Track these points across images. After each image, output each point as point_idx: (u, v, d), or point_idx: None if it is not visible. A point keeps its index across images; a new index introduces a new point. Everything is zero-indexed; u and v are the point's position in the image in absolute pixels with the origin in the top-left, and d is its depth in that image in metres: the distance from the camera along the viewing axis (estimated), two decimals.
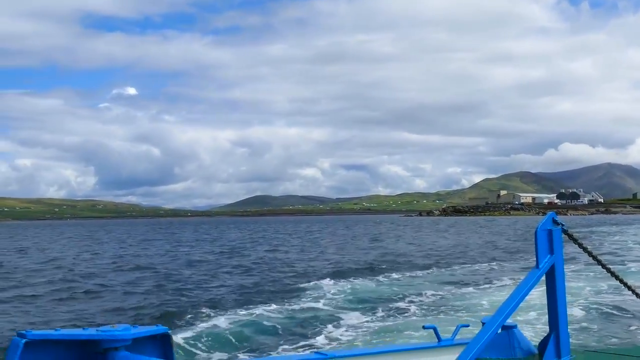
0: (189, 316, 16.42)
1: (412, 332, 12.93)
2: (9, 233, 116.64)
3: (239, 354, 12.19)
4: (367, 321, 15.54)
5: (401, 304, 18.15)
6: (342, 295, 19.78)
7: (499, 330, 5.49)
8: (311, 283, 23.08)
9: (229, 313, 17.05)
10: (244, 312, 16.99)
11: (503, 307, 5.50)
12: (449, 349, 5.49)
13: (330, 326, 14.87)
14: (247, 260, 35.59)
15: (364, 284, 22.94)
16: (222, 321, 15.51)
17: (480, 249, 43.45)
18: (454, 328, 5.99)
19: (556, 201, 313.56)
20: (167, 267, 31.62)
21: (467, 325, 6.47)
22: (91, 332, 3.43)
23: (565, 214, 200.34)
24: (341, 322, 15.45)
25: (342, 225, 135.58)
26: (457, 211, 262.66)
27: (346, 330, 14.33)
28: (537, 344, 6.19)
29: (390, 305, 17.93)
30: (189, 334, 13.79)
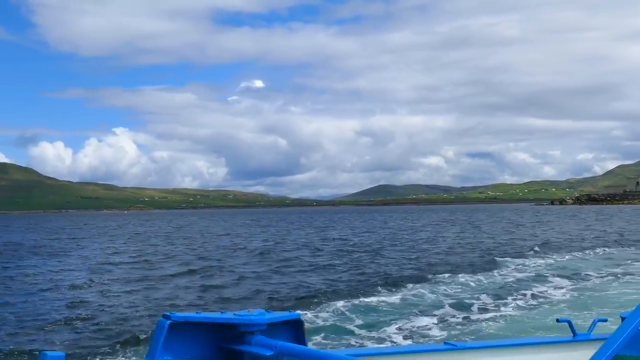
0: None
1: (543, 324, 12.70)
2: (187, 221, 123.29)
3: (379, 343, 12.29)
4: (497, 310, 15.54)
5: (534, 292, 18.17)
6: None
7: None
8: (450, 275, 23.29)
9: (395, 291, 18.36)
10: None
11: None
12: (585, 344, 5.19)
13: (459, 315, 14.90)
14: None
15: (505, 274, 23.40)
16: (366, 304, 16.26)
17: None
18: (589, 323, 5.66)
19: None
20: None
21: (605, 320, 6.10)
22: (229, 316, 3.57)
23: None
24: (472, 309, 15.53)
25: (483, 214, 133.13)
26: (592, 200, 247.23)
27: (477, 320, 14.25)
28: None
29: (522, 294, 17.97)
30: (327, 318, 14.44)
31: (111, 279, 24.87)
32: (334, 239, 50.62)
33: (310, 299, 18.18)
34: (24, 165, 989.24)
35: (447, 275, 22.79)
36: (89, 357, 11.77)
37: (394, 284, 20.98)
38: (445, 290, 19.31)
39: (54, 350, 3.04)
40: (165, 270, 28.08)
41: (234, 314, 3.59)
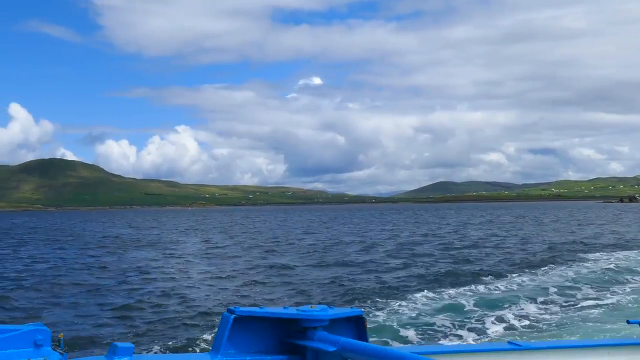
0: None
1: (611, 326, 12.42)
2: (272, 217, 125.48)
3: (441, 340, 12.30)
4: (567, 310, 15.21)
5: (604, 293, 17.62)
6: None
7: None
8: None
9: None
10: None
11: None
12: None
13: (515, 312, 14.78)
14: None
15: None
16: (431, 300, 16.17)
17: None
18: None
19: None
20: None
21: None
22: (292, 311, 3.60)
23: None
24: (531, 308, 15.29)
25: (560, 211, 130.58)
26: None
27: (545, 319, 14.03)
28: None
29: (597, 293, 17.63)
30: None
31: (197, 270, 25.85)
32: (436, 235, 50.27)
33: (395, 292, 18.49)
34: (90, 162, 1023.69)
35: (515, 274, 22.53)
36: (157, 348, 11.98)
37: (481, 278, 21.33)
38: (518, 286, 19.20)
39: (125, 342, 3.14)
40: (247, 263, 28.98)
41: (297, 310, 3.61)
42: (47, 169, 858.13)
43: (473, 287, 19.25)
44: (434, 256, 30.48)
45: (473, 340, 12.10)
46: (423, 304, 16.09)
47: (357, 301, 16.94)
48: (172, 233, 61.95)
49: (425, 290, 18.44)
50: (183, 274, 24.76)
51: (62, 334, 2.74)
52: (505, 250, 33.29)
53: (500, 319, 14.06)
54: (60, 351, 2.57)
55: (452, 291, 18.44)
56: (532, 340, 9.94)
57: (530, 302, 16.09)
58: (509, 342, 4.42)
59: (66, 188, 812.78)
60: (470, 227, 63.12)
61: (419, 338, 12.48)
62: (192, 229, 73.06)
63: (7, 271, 26.67)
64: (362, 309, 3.76)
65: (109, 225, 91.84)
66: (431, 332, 12.99)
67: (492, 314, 14.64)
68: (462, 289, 18.89)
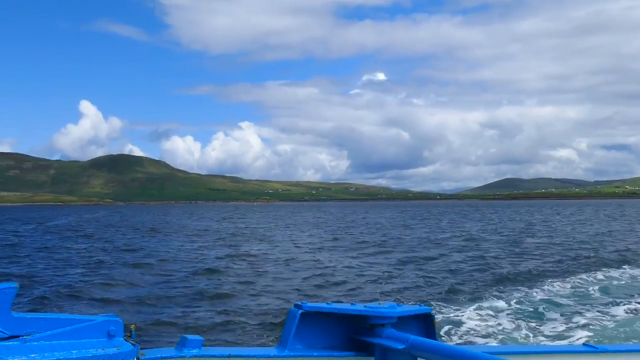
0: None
1: None
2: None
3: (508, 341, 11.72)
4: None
5: None
6: None
7: None
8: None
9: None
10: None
11: None
12: None
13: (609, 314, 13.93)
14: None
15: None
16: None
17: None
18: None
19: None
20: None
21: None
22: (359, 307, 3.55)
23: None
24: (610, 310, 14.38)
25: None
26: None
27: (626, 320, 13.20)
28: None
29: None
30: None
31: (279, 264, 25.19)
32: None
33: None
34: (157, 158, 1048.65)
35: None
36: (224, 341, 11.69)
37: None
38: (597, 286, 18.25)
39: (195, 334, 3.19)
40: (327, 257, 28.00)
41: (365, 306, 3.57)
42: (115, 165, 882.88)
43: (549, 286, 18.37)
44: (540, 252, 29.39)
45: (547, 341, 11.53)
46: (502, 301, 15.75)
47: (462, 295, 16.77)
48: (277, 228, 60.07)
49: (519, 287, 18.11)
50: (273, 266, 24.48)
51: (133, 325, 2.82)
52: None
53: (576, 320, 13.35)
54: (132, 342, 2.65)
55: (535, 290, 17.76)
56: (609, 343, 9.40)
57: (611, 305, 15.07)
58: (584, 344, 4.25)
59: (134, 183, 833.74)
60: (578, 225, 59.50)
61: (494, 337, 11.96)
62: (289, 224, 71.79)
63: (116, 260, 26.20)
64: (431, 307, 3.67)
65: (195, 219, 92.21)
66: (505, 332, 12.47)
67: (567, 314, 14.08)
68: (544, 287, 18.17)
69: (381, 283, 19.45)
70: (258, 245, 35.42)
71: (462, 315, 13.95)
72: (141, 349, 2.79)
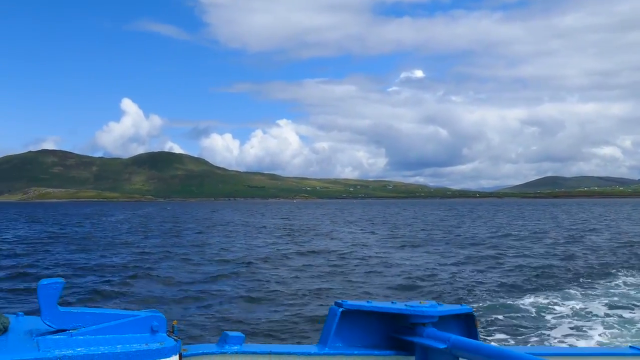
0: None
1: None
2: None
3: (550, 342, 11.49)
4: None
5: None
6: None
7: None
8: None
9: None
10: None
11: None
12: None
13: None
14: None
15: None
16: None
17: None
18: None
19: None
20: None
21: None
22: (400, 306, 3.53)
23: None
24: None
25: None
26: None
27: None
28: None
29: None
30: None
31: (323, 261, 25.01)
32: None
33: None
34: (196, 155, 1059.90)
35: None
36: (265, 338, 11.80)
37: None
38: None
39: (236, 331, 3.20)
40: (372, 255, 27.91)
41: (405, 305, 3.54)
42: (156, 162, 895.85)
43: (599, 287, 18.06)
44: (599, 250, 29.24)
45: (594, 343, 11.39)
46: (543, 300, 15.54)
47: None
48: (337, 225, 60.48)
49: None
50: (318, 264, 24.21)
51: (176, 321, 2.82)
52: None
53: (621, 322, 13.06)
54: (175, 337, 2.66)
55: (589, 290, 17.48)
56: None
57: None
58: (630, 346, 4.13)
59: (174, 180, 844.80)
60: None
61: (536, 338, 11.72)
62: (347, 222, 71.55)
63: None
64: (472, 307, 3.64)
65: (248, 215, 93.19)
66: (548, 332, 12.25)
67: (612, 315, 13.75)
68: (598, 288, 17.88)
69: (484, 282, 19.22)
70: (332, 242, 36.02)
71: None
72: (183, 344, 2.80)
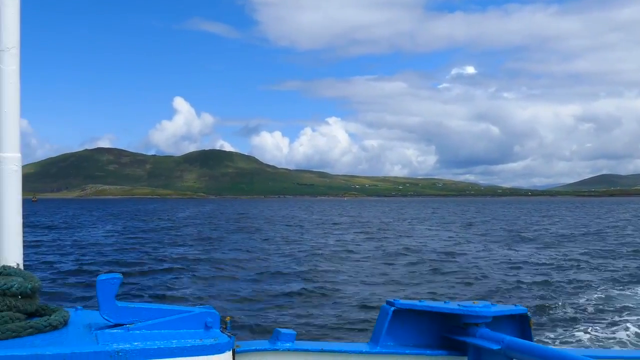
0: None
1: None
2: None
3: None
4: None
5: None
6: None
7: None
8: None
9: None
10: None
11: None
12: None
13: None
14: None
15: None
16: None
17: None
18: None
19: None
20: None
21: None
22: (453, 306, 3.51)
23: None
24: None
25: None
26: None
27: None
28: None
29: None
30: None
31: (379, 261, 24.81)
32: None
33: None
34: (246, 153, 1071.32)
35: None
36: (317, 335, 11.79)
37: None
38: None
39: (288, 328, 3.23)
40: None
41: (458, 305, 3.51)
42: (207, 160, 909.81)
43: None
44: None
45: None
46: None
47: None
48: (404, 223, 61.12)
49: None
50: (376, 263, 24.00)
51: (229, 317, 2.85)
52: None
53: None
54: (228, 333, 2.71)
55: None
56: None
57: None
58: None
59: (224, 177, 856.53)
60: None
61: (595, 341, 11.38)
62: (420, 219, 71.96)
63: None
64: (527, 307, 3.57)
65: (313, 213, 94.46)
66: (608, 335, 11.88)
67: None
68: None
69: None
70: (408, 240, 36.47)
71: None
72: (236, 340, 2.83)
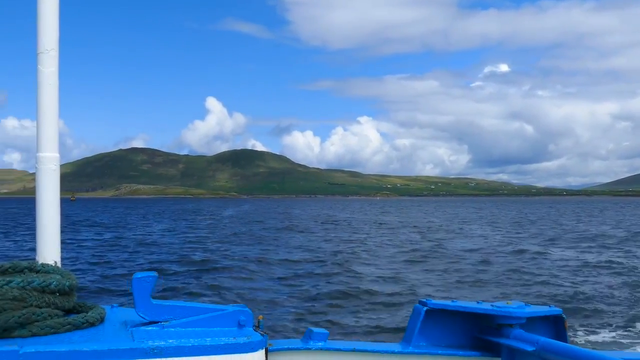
0: None
1: None
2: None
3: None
4: None
5: None
6: None
7: None
8: None
9: None
10: None
11: None
12: None
13: None
14: None
15: None
16: None
17: None
18: None
19: None
20: None
21: None
22: (486, 306, 3.46)
23: None
24: None
25: None
26: None
27: None
28: None
29: None
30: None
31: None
32: None
33: None
34: (277, 153, 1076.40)
35: None
36: (348, 335, 11.75)
37: None
38: None
39: (320, 327, 3.24)
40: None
41: (492, 305, 3.47)
42: (239, 159, 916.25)
43: None
44: None
45: None
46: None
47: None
48: (451, 223, 60.75)
49: None
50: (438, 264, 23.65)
51: (261, 316, 2.86)
52: None
53: None
54: (261, 332, 2.72)
55: None
56: None
57: None
58: None
59: (256, 177, 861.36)
60: None
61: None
62: (464, 219, 71.63)
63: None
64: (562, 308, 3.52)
65: (353, 212, 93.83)
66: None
67: None
68: None
69: None
70: (463, 240, 36.26)
71: None
72: (269, 339, 2.83)
